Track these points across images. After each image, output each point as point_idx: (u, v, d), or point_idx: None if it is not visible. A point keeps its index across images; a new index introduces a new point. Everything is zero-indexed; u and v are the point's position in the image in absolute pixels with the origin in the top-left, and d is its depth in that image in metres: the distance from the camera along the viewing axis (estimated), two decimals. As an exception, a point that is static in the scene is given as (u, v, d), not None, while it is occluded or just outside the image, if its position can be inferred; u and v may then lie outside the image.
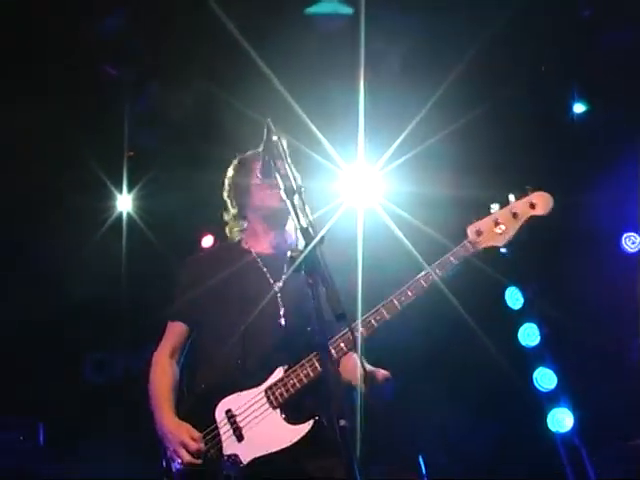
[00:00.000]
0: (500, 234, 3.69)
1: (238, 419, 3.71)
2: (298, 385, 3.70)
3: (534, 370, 7.26)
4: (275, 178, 3.31)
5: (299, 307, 3.80)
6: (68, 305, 6.79)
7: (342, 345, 3.69)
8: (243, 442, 3.69)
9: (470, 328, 5.93)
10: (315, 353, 3.65)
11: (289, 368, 3.73)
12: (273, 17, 5.84)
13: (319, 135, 5.51)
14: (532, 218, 3.69)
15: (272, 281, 3.93)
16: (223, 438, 3.71)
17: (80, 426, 6.57)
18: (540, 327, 7.36)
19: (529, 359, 7.33)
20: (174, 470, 3.74)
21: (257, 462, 3.65)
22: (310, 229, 3.13)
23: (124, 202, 7.03)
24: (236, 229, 4.17)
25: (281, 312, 3.85)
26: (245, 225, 4.14)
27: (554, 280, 7.17)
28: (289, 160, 3.33)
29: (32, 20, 5.63)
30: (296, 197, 3.19)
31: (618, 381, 6.62)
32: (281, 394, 3.70)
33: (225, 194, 4.21)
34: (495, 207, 3.75)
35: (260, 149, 3.92)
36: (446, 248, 3.83)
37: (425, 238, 4.41)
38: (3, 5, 5.43)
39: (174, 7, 5.74)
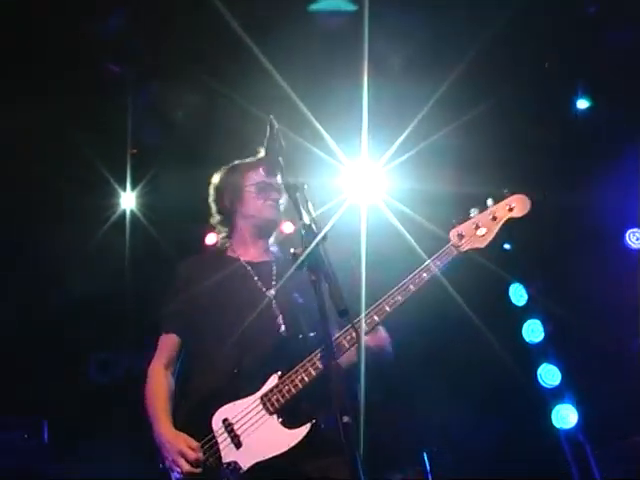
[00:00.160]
0: (481, 236, 3.79)
1: (235, 427, 3.72)
2: (293, 390, 3.71)
3: (538, 366, 7.26)
4: (278, 175, 3.32)
5: (294, 313, 3.87)
6: (71, 304, 6.78)
7: (344, 342, 3.71)
8: (242, 449, 3.70)
9: (474, 325, 5.94)
10: (309, 358, 3.70)
11: (283, 375, 3.75)
12: (276, 14, 5.83)
13: (323, 132, 5.51)
14: (511, 220, 3.80)
15: (264, 289, 3.97)
16: (221, 447, 3.71)
17: (84, 425, 6.57)
18: (544, 323, 7.36)
19: (533, 355, 7.34)
20: None
21: (257, 467, 3.66)
22: (313, 225, 3.13)
23: (127, 200, 7.03)
24: (221, 235, 4.21)
25: (279, 319, 3.87)
26: (227, 231, 4.18)
27: (558, 277, 7.17)
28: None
29: (32, 20, 5.62)
30: (299, 193, 3.19)
31: (621, 378, 6.61)
32: (277, 400, 3.71)
33: (211, 199, 4.24)
34: (474, 211, 3.85)
35: (257, 156, 4.10)
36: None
37: (428, 234, 4.42)
38: (3, 5, 5.43)
39: (176, 5, 5.73)
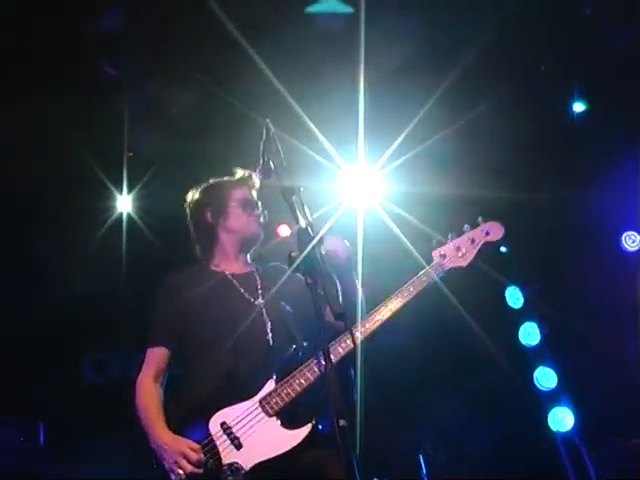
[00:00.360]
0: (461, 257, 4.16)
1: (235, 429, 3.77)
2: (292, 394, 3.78)
3: (534, 369, 7.26)
4: (273, 178, 3.35)
5: (283, 322, 3.97)
6: (68, 306, 6.78)
7: (339, 349, 3.82)
8: (242, 450, 3.74)
9: (471, 327, 5.95)
10: (306, 363, 3.80)
11: (280, 379, 3.82)
12: (273, 17, 5.84)
13: (319, 135, 5.52)
14: (487, 243, 4.21)
15: (252, 299, 4.08)
16: (221, 449, 3.75)
17: (80, 426, 6.57)
18: (540, 326, 7.36)
19: (529, 358, 7.34)
20: None
21: (258, 467, 3.71)
22: (309, 229, 3.15)
23: (124, 203, 7.02)
24: (200, 250, 4.31)
25: (267, 327, 3.98)
26: (208, 245, 4.27)
27: (555, 279, 7.17)
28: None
29: (32, 20, 5.62)
30: (294, 197, 3.21)
31: (618, 380, 6.62)
32: (276, 403, 3.79)
33: (191, 214, 4.33)
34: (453, 235, 4.21)
35: (236, 176, 4.28)
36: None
37: (424, 237, 4.53)
38: (3, 5, 5.43)
39: (174, 6, 5.74)
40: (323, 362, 3.12)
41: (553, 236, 6.97)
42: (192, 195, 4.36)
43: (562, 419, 7.10)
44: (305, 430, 3.73)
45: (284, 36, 5.91)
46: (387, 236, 5.26)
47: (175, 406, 3.95)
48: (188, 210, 4.35)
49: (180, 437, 3.78)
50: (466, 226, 4.21)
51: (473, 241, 4.19)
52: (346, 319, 3.16)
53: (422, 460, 6.41)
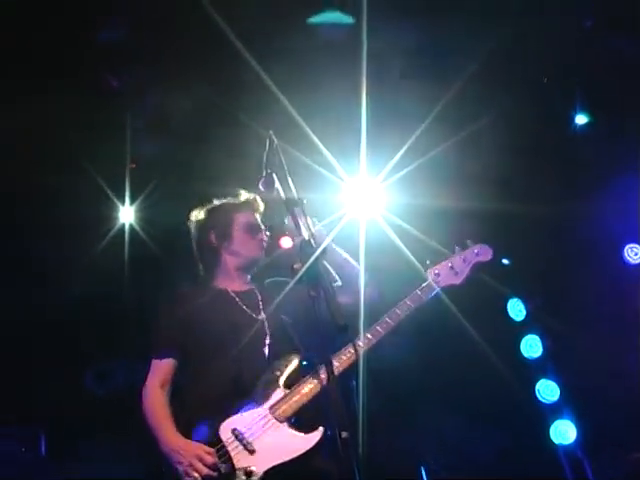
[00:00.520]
0: (455, 275, 4.33)
1: (246, 435, 3.84)
2: (301, 401, 3.87)
3: (537, 382, 7.24)
4: (275, 190, 3.39)
5: (286, 333, 4.10)
6: (70, 317, 6.78)
7: (343, 358, 3.88)
8: (256, 454, 3.81)
9: (473, 340, 5.95)
10: (314, 371, 3.89)
11: (288, 387, 3.92)
12: (275, 29, 5.86)
13: (322, 147, 5.54)
14: (478, 263, 4.38)
15: (254, 315, 4.19)
16: (233, 454, 3.82)
17: (81, 436, 6.57)
18: (543, 339, 7.35)
19: (532, 371, 7.32)
20: None
21: (272, 472, 3.79)
22: (312, 241, 3.17)
23: (126, 214, 7.03)
24: (202, 267, 4.41)
25: (266, 340, 4.10)
26: (211, 264, 4.38)
27: (557, 292, 7.16)
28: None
29: (32, 35, 5.64)
30: (297, 208, 3.23)
31: (621, 393, 6.60)
32: (286, 409, 3.88)
33: (196, 234, 4.42)
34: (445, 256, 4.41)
35: (240, 198, 4.39)
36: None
37: (426, 249, 4.66)
38: (3, 5, 5.43)
39: (176, 17, 5.75)
40: (327, 372, 3.18)
41: (555, 248, 6.97)
42: (196, 215, 4.44)
43: (564, 432, 7.08)
44: (317, 434, 3.81)
45: (286, 47, 5.92)
46: (389, 247, 5.27)
47: (179, 412, 4.01)
48: (192, 229, 4.44)
49: (193, 441, 3.86)
50: (457, 248, 4.38)
51: (465, 260, 4.36)
52: (348, 332, 3.18)
53: (424, 472, 6.40)
